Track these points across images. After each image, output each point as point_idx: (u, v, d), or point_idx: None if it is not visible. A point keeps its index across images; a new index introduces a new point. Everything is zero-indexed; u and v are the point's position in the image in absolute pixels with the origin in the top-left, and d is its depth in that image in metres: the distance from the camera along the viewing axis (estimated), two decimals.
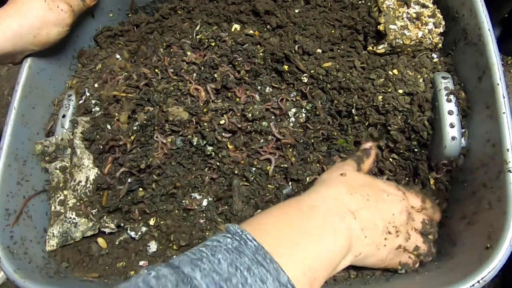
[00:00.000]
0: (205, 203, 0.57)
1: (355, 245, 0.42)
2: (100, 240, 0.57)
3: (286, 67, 0.60)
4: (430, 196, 0.52)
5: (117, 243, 0.58)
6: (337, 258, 0.40)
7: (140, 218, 0.57)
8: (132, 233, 0.57)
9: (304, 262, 0.36)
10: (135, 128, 0.58)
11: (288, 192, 0.56)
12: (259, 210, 0.56)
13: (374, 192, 0.47)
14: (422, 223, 0.49)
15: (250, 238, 0.35)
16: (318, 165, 0.57)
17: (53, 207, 0.57)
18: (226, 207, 0.57)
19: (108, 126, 0.58)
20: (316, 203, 0.43)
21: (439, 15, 0.56)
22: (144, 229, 0.57)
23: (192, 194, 0.58)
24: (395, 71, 0.55)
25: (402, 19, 0.55)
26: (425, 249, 0.48)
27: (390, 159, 0.56)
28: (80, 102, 0.62)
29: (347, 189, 0.46)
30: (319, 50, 0.59)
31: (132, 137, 0.57)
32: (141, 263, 0.56)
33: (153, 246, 0.57)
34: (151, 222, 0.57)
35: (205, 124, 0.57)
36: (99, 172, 0.57)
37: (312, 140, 0.58)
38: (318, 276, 0.37)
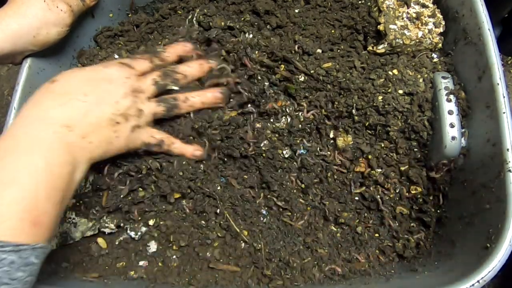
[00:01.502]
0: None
1: (81, 155, 0.42)
2: (100, 240, 0.57)
3: (283, 66, 0.59)
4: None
5: (117, 243, 0.58)
6: (60, 180, 0.39)
7: (140, 218, 0.57)
8: (132, 233, 0.57)
9: (22, 217, 0.35)
10: None
11: None
12: None
13: (93, 87, 0.44)
14: (153, 84, 0.49)
15: None
16: None
17: None
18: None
19: None
20: (13, 139, 0.39)
21: (439, 15, 0.56)
22: (144, 229, 0.57)
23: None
24: (395, 71, 0.55)
25: (402, 19, 0.55)
26: (161, 110, 0.49)
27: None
28: None
29: (57, 100, 0.42)
30: (319, 50, 0.59)
31: None
32: (141, 263, 0.56)
33: (153, 246, 0.57)
34: (151, 222, 0.57)
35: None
36: (98, 173, 0.57)
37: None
38: (43, 208, 0.37)
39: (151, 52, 0.52)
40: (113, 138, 0.45)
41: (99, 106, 0.44)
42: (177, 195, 0.56)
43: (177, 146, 0.53)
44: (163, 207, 0.57)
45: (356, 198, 0.58)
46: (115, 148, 0.46)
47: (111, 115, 0.44)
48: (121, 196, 0.56)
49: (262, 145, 0.57)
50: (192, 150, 0.54)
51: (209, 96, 0.54)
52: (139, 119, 0.47)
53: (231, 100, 0.57)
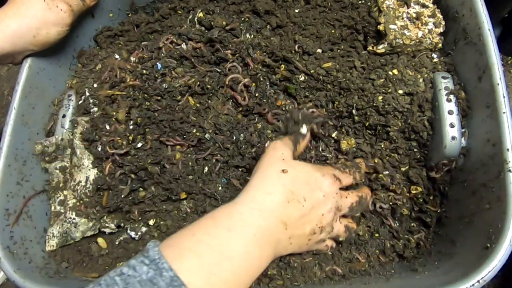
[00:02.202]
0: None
1: (278, 252, 0.44)
2: (100, 240, 0.57)
3: (283, 66, 0.59)
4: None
5: (117, 243, 0.58)
6: (258, 271, 0.41)
7: (140, 218, 0.57)
8: (132, 233, 0.57)
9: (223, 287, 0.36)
10: (131, 127, 0.57)
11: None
12: None
13: (311, 193, 0.46)
14: (349, 207, 0.50)
15: (167, 268, 0.34)
16: None
17: (53, 207, 0.57)
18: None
19: (107, 126, 0.58)
20: (248, 218, 0.41)
21: (439, 15, 0.56)
22: (144, 229, 0.57)
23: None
24: (395, 71, 0.55)
25: (402, 19, 0.55)
26: (344, 235, 0.50)
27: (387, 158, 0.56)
28: (80, 102, 0.62)
29: (286, 196, 0.44)
30: (319, 50, 0.59)
31: (130, 137, 0.57)
32: None
33: None
34: (151, 222, 0.57)
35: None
36: (99, 173, 0.57)
37: None
38: None
39: (355, 165, 0.53)
40: (304, 245, 0.47)
41: (310, 215, 0.45)
42: (183, 195, 0.57)
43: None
44: (164, 207, 0.57)
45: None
46: (296, 251, 0.48)
47: (315, 226, 0.46)
48: (122, 196, 0.56)
49: (266, 145, 0.57)
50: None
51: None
52: (327, 235, 0.49)
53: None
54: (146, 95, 0.59)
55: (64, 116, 0.61)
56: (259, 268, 0.40)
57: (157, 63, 0.59)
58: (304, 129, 0.51)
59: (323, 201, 0.46)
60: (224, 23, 0.61)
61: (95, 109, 0.61)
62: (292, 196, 0.44)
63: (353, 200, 0.50)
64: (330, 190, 0.47)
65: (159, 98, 0.58)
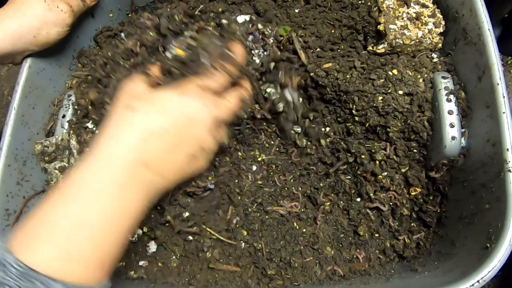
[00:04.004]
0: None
1: (156, 191, 0.40)
2: None
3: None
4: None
5: None
6: (132, 222, 0.38)
7: None
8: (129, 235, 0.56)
9: (89, 260, 0.34)
10: None
11: None
12: None
13: (173, 120, 0.40)
14: (230, 114, 0.45)
15: (11, 262, 0.31)
16: None
17: None
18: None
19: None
20: (98, 177, 0.36)
21: (439, 15, 0.56)
22: (140, 231, 0.57)
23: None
24: (395, 71, 0.55)
25: (402, 19, 0.55)
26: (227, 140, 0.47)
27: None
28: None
29: (140, 136, 0.38)
30: (319, 50, 0.59)
31: None
32: (141, 263, 0.56)
33: (153, 247, 0.57)
34: (145, 229, 0.57)
35: None
36: None
37: None
38: (110, 251, 0.36)
39: (224, 57, 0.45)
40: (185, 170, 0.43)
41: (181, 143, 0.41)
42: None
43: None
44: (152, 216, 0.57)
45: (358, 199, 0.58)
46: (193, 170, 0.44)
47: (192, 150, 0.42)
48: None
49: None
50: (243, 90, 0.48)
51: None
52: (211, 150, 0.45)
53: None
54: None
55: (64, 116, 0.61)
56: (131, 219, 0.37)
57: None
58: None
59: (191, 122, 0.41)
60: (220, 9, 0.61)
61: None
62: (147, 133, 0.39)
63: (233, 104, 0.45)
64: (197, 105, 0.41)
65: None
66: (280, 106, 0.58)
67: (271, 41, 0.57)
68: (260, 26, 0.57)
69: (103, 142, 0.39)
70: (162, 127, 0.39)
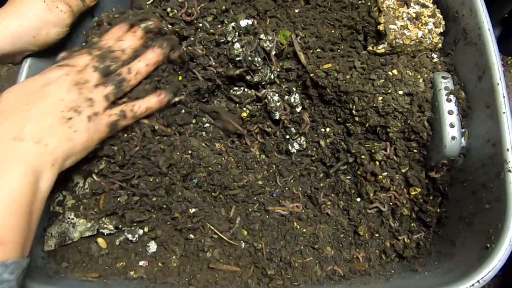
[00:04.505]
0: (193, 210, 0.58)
1: (41, 161, 0.41)
2: (100, 240, 0.57)
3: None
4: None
5: (117, 243, 0.58)
6: (22, 192, 0.38)
7: (135, 223, 0.57)
8: (129, 236, 0.57)
9: None
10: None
11: None
12: None
13: (34, 95, 0.43)
14: (94, 72, 0.48)
15: None
16: None
17: (51, 208, 0.57)
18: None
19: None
20: None
21: (439, 15, 0.56)
22: (141, 231, 0.57)
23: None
24: (395, 71, 0.55)
25: (402, 19, 0.55)
26: (112, 89, 0.48)
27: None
28: None
29: None
30: (319, 50, 0.59)
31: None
32: (141, 263, 0.56)
33: (153, 247, 0.57)
34: (146, 229, 0.57)
35: None
36: (94, 177, 0.57)
37: None
38: (8, 225, 0.36)
39: (88, 45, 0.51)
40: (72, 134, 0.44)
41: (45, 109, 0.43)
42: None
43: (140, 104, 0.51)
44: (154, 216, 0.57)
45: (358, 199, 0.58)
46: (79, 143, 0.45)
47: (60, 113, 0.43)
48: (118, 200, 0.55)
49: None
50: (156, 98, 0.52)
51: (151, 56, 0.51)
52: (93, 107, 0.46)
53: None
54: None
55: None
56: (22, 190, 0.38)
57: None
58: None
59: (52, 90, 0.44)
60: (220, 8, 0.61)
61: None
62: (7, 113, 0.41)
63: (92, 64, 0.48)
64: (56, 76, 0.45)
65: None
66: (277, 115, 0.59)
67: (273, 53, 0.58)
68: (262, 36, 0.57)
69: None
70: (22, 103, 0.42)
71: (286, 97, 0.59)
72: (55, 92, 0.44)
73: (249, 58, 0.56)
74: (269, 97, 0.59)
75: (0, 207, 0.36)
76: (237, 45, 0.56)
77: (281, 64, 0.59)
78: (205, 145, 0.60)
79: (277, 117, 0.59)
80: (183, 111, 0.58)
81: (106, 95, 0.48)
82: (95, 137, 0.47)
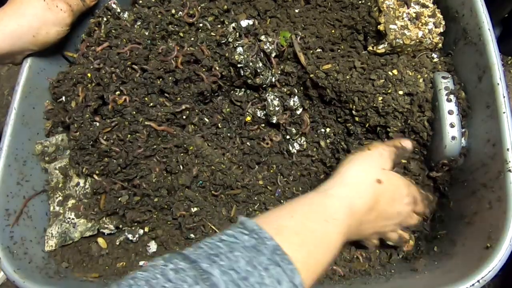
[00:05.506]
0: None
1: (354, 234, 0.46)
2: (100, 240, 0.57)
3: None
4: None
5: (117, 243, 0.58)
6: (333, 250, 0.41)
7: (135, 224, 0.57)
8: (130, 236, 0.57)
9: (314, 269, 0.37)
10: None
11: None
12: None
13: (389, 208, 0.47)
14: (408, 226, 0.52)
15: (268, 237, 0.34)
16: None
17: (52, 208, 0.57)
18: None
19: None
20: (341, 216, 0.42)
21: (439, 15, 0.56)
22: (141, 231, 0.57)
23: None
24: (395, 71, 0.55)
25: (402, 19, 0.55)
26: (394, 241, 0.51)
27: None
28: None
29: (373, 205, 0.45)
30: (319, 50, 0.59)
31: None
32: (141, 263, 0.56)
33: (153, 246, 0.57)
34: (146, 229, 0.57)
35: None
36: (96, 176, 0.57)
37: None
38: (318, 276, 0.38)
39: (428, 199, 0.53)
40: (384, 223, 0.49)
41: (377, 223, 0.47)
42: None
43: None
44: (154, 216, 0.57)
45: None
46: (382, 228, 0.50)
47: (375, 232, 0.49)
48: (119, 200, 0.55)
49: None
50: None
51: None
52: (378, 237, 0.51)
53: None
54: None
55: None
56: (333, 249, 0.41)
57: None
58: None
59: (393, 216, 0.49)
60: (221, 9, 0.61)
61: None
62: (376, 206, 0.46)
63: (414, 223, 0.52)
64: (405, 209, 0.49)
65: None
66: (274, 119, 0.59)
67: (273, 55, 0.58)
68: (262, 37, 0.57)
69: (349, 193, 0.44)
70: (384, 208, 0.47)
71: (286, 101, 0.60)
72: (392, 219, 0.49)
73: (251, 64, 0.56)
74: (269, 100, 0.59)
75: (320, 256, 0.39)
76: (239, 49, 0.56)
77: (282, 67, 0.59)
78: (208, 145, 0.61)
79: (274, 121, 0.59)
80: (187, 111, 0.59)
81: (385, 239, 0.53)
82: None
